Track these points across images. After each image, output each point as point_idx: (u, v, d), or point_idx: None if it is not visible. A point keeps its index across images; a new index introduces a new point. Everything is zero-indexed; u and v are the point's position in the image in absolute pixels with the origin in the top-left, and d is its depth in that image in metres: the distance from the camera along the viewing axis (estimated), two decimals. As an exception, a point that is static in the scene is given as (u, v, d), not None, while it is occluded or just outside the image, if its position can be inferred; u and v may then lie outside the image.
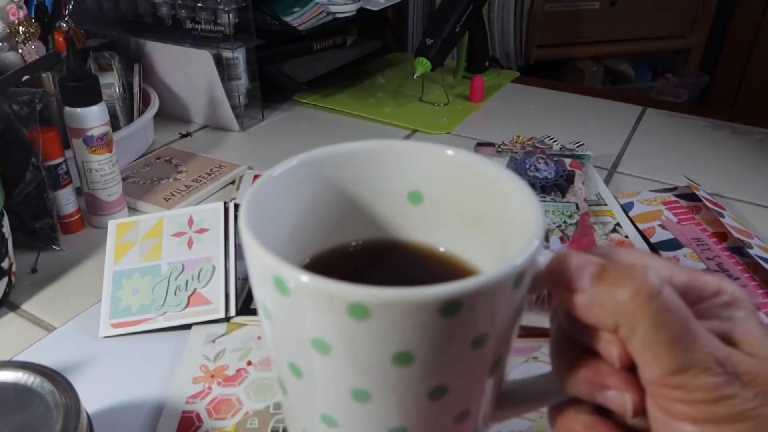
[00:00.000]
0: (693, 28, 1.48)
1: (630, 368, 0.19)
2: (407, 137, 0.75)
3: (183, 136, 0.75)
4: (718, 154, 0.70)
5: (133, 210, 0.58)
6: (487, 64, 0.91)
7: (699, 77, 1.52)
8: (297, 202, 0.25)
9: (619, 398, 0.20)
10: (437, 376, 0.20)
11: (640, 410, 0.20)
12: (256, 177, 0.62)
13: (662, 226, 0.53)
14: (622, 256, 0.21)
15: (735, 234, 0.49)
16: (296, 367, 0.21)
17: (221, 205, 0.47)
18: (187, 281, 0.43)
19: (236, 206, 0.48)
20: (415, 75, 0.77)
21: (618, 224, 0.53)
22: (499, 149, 0.64)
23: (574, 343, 0.21)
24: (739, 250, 0.49)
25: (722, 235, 0.51)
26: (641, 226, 0.53)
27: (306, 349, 0.20)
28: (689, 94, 1.50)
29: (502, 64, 1.30)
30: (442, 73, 0.86)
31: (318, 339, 0.19)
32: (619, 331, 0.18)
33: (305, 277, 0.18)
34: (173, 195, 0.59)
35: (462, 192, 0.25)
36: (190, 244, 0.45)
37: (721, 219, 0.51)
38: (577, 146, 0.63)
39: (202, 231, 0.46)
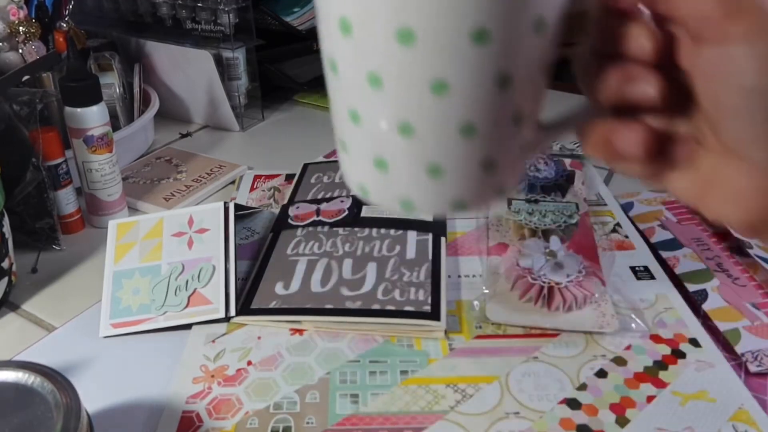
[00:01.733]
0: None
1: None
2: (407, 137, 0.75)
3: (183, 136, 0.75)
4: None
5: (133, 210, 0.58)
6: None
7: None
8: None
9: (647, 84, 0.20)
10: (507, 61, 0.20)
11: (665, 91, 0.20)
12: (256, 177, 0.62)
13: (662, 226, 0.53)
14: None
15: (735, 234, 0.49)
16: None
17: (221, 205, 0.47)
18: (187, 281, 0.43)
19: (236, 206, 0.48)
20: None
21: (618, 224, 0.53)
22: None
23: (602, 57, 0.21)
24: (739, 249, 0.49)
25: (722, 235, 0.51)
26: (641, 226, 0.53)
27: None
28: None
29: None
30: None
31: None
32: None
33: None
34: (173, 195, 0.59)
35: None
36: (190, 244, 0.45)
37: None
38: (577, 146, 0.63)
39: (202, 231, 0.46)
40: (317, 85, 0.82)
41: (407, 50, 0.19)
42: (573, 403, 0.37)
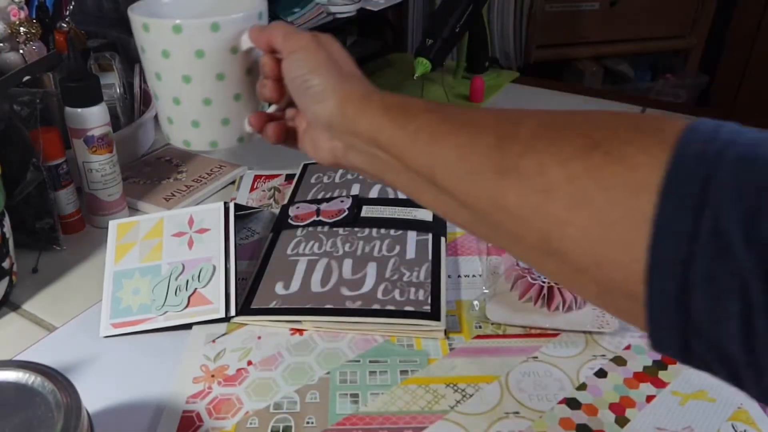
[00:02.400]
0: (693, 28, 1.48)
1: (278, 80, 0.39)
2: (407, 137, 0.75)
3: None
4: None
5: (133, 210, 0.58)
6: (486, 64, 0.91)
7: (698, 77, 1.52)
8: None
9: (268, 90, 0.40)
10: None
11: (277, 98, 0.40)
12: (256, 177, 0.62)
13: None
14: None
15: None
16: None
17: (221, 205, 0.47)
18: (187, 281, 0.43)
19: (237, 206, 0.48)
20: (415, 75, 0.77)
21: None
22: None
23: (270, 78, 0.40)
24: None
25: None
26: None
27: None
28: (689, 94, 1.50)
29: (502, 64, 1.30)
30: (442, 74, 0.86)
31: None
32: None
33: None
34: (173, 195, 0.59)
35: None
36: (190, 244, 0.45)
37: None
38: None
39: (202, 231, 0.46)
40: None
41: (202, 61, 0.42)
42: (573, 403, 0.37)
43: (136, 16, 0.44)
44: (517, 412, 0.36)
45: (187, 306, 0.43)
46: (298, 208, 0.53)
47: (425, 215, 0.52)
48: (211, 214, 0.47)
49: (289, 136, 0.40)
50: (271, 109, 0.43)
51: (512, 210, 0.24)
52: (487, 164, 0.25)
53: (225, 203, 0.47)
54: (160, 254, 0.45)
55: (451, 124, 0.27)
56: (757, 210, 0.17)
